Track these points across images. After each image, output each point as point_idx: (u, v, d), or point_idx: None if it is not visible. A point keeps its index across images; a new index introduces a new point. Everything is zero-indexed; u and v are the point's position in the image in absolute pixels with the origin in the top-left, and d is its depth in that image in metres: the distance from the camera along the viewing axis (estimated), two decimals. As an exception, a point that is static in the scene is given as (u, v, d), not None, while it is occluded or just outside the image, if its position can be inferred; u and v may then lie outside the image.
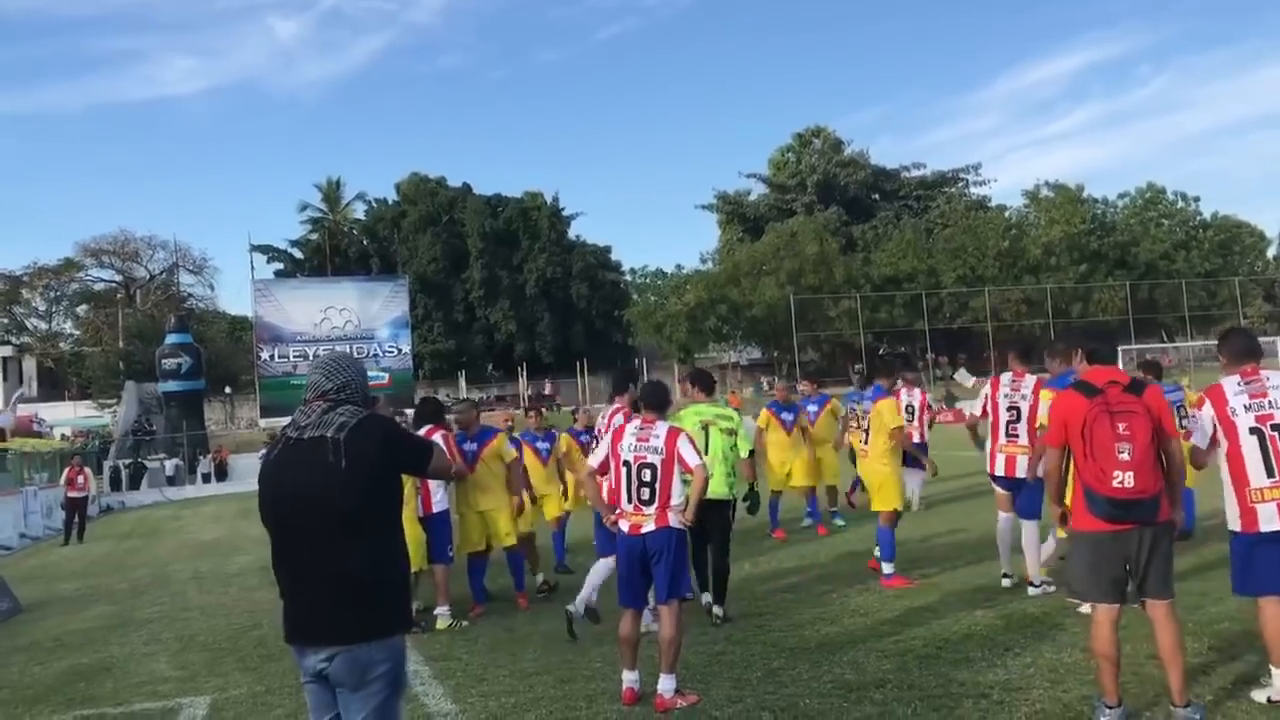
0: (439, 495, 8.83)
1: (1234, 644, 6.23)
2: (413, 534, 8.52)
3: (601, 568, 7.91)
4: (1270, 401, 5.12)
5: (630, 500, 6.15)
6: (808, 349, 63.15)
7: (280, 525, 3.71)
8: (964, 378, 43.85)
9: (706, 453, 7.82)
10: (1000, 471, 8.40)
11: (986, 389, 8.71)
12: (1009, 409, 8.36)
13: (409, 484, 8.45)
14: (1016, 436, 8.32)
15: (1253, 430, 5.10)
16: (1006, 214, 73.11)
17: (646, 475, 6.09)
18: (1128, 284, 63.93)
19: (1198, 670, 5.67)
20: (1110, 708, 4.95)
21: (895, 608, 8.04)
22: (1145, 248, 68.37)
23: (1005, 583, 8.47)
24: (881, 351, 65.97)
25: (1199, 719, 4.88)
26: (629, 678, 6.13)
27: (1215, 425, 5.22)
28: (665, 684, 5.92)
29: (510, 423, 10.25)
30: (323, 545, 3.59)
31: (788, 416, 12.78)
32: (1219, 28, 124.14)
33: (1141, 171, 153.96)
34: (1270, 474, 5.05)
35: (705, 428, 8.01)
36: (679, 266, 69.40)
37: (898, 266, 65.39)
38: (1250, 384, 5.18)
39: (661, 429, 6.21)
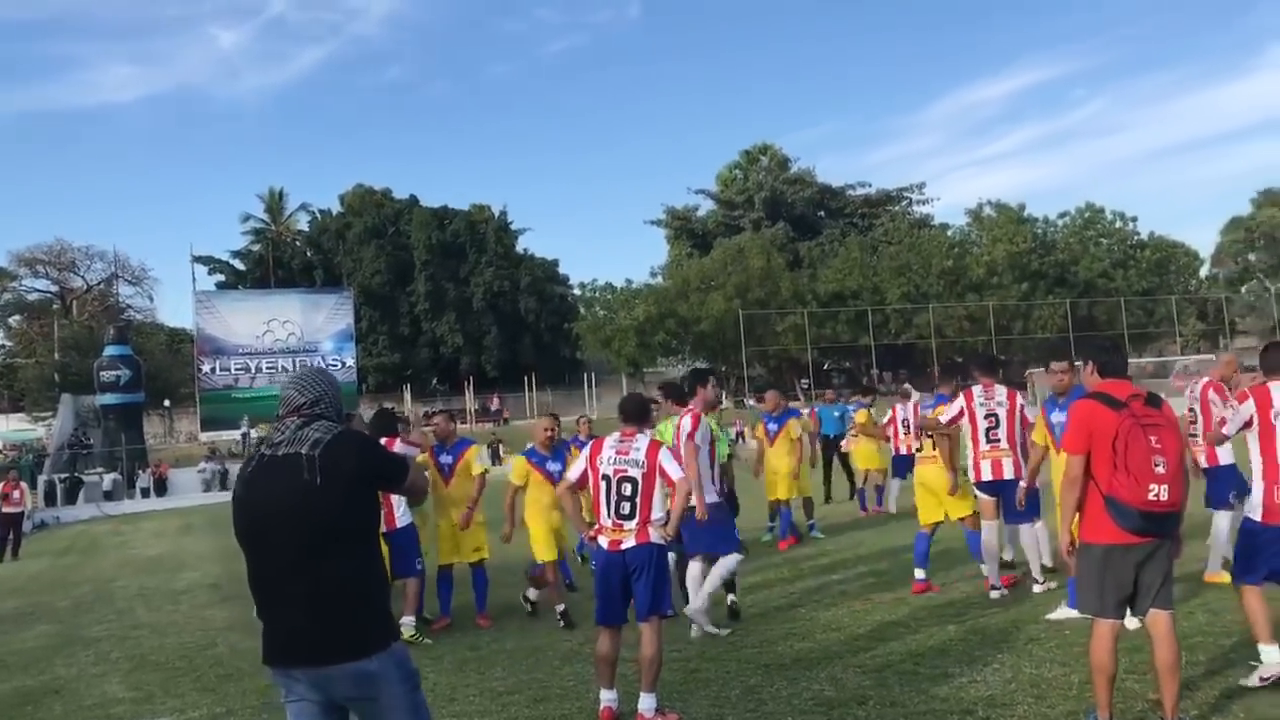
0: (401, 509, 8.65)
1: (1213, 659, 6.24)
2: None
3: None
4: None
5: (609, 515, 6.01)
6: (755, 364, 63.42)
7: (257, 543, 3.64)
8: (909, 393, 44.50)
9: None
10: (987, 476, 8.57)
11: (961, 401, 8.84)
12: (987, 416, 8.60)
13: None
14: (998, 441, 8.55)
15: None
16: (950, 232, 74.09)
17: (627, 489, 5.96)
18: (1068, 302, 65.02)
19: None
20: None
21: (866, 623, 7.98)
22: (1085, 266, 69.59)
23: (994, 595, 8.48)
24: (827, 366, 66.49)
25: (1188, 735, 4.86)
26: (606, 697, 5.99)
27: (1253, 420, 5.64)
28: (646, 703, 5.81)
29: (551, 432, 9.50)
30: (303, 563, 3.52)
31: (773, 427, 12.89)
32: (1150, 54, 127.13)
33: (1080, 191, 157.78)
34: None
35: None
36: (628, 281, 69.43)
37: (843, 283, 65.90)
38: None
39: (642, 441, 6.09)
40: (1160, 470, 4.72)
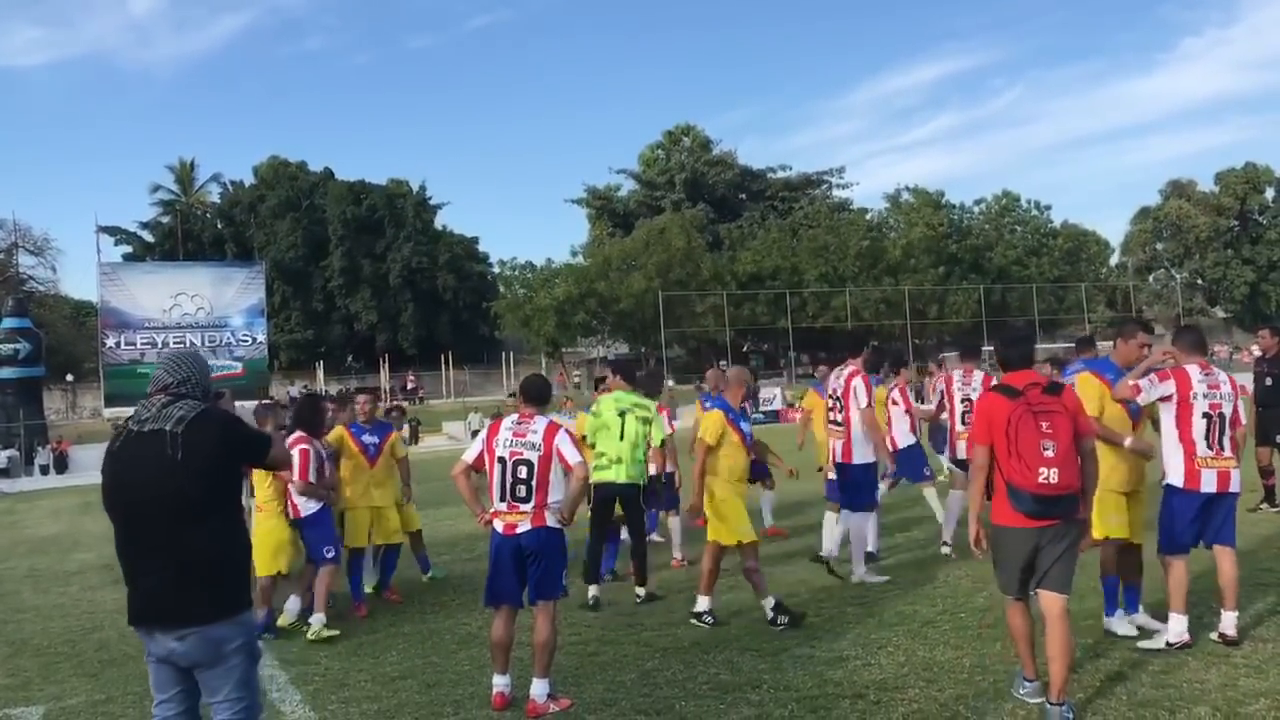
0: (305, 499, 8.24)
1: (1100, 641, 6.35)
2: (280, 535, 8.11)
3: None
4: (1220, 394, 6.20)
5: (505, 498, 5.89)
6: (674, 345, 63.52)
7: (122, 514, 3.94)
8: (824, 374, 45.01)
9: (622, 439, 8.44)
10: (962, 455, 9.21)
11: (940, 385, 9.82)
12: (963, 400, 9.38)
13: (273, 485, 8.10)
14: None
15: (1205, 415, 6.17)
16: (868, 216, 74.92)
17: (522, 472, 5.83)
18: (981, 288, 66.24)
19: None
20: (1029, 681, 5.29)
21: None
22: (999, 253, 71.04)
23: (945, 550, 9.45)
24: (746, 348, 66.83)
25: (1070, 718, 4.94)
26: (499, 682, 5.90)
27: (1174, 396, 6.17)
28: (538, 688, 5.71)
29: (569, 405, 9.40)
30: (165, 532, 3.83)
31: (710, 406, 12.96)
32: (1065, 46, 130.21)
33: (997, 179, 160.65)
34: (1210, 447, 6.14)
35: (622, 414, 8.56)
36: (549, 260, 68.90)
37: (762, 264, 66.14)
38: (1208, 376, 6.26)
39: (540, 424, 5.96)
40: (1049, 454, 4.90)
